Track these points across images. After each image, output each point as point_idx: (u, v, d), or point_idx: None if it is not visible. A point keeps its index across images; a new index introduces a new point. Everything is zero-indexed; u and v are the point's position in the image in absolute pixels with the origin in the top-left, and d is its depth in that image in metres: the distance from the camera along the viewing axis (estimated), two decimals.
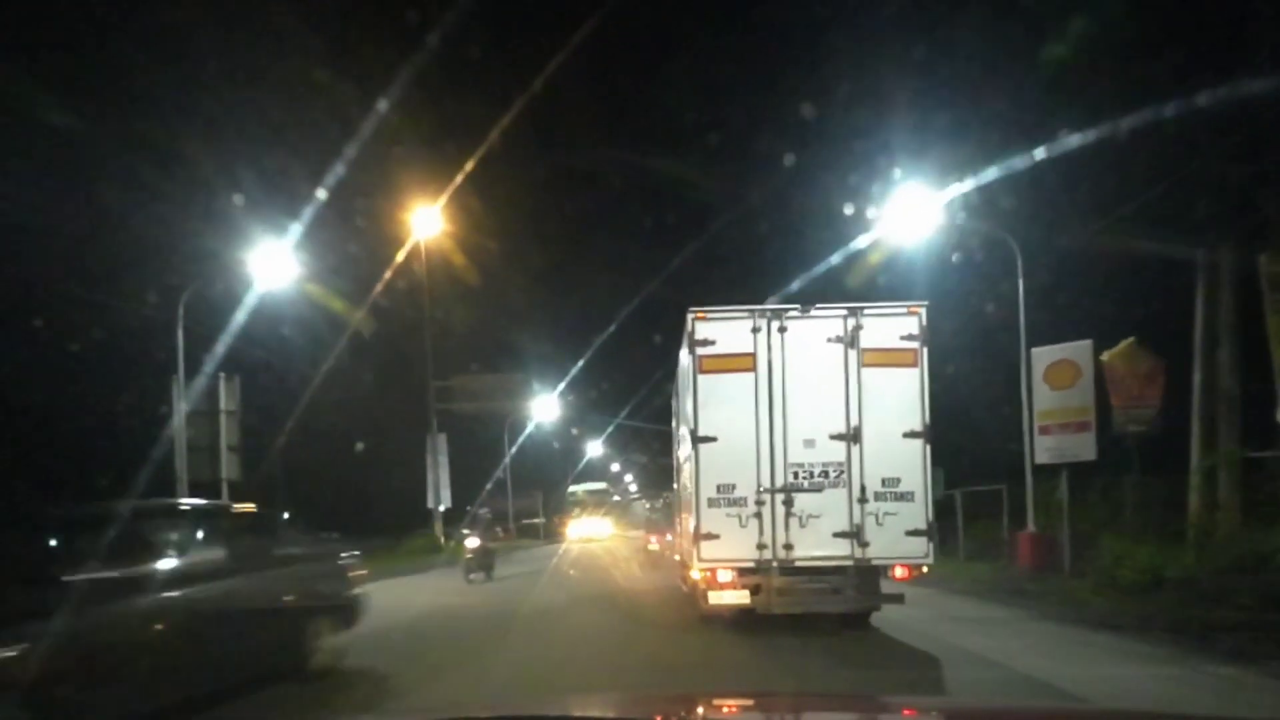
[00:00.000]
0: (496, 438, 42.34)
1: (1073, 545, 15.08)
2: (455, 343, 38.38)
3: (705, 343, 9.44)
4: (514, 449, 42.94)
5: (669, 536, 18.62)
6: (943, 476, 20.96)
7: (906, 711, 3.39)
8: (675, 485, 13.32)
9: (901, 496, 9.18)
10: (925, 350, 9.25)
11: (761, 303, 10.44)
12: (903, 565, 9.28)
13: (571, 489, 49.35)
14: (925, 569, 9.32)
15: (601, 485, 52.30)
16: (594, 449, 59.51)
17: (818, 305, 9.50)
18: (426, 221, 29.40)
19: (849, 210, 18.93)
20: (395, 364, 36.62)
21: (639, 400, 41.53)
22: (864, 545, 9.18)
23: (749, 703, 3.64)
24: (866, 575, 9.33)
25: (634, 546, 31.33)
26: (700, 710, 3.18)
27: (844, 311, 9.36)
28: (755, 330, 9.38)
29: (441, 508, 31.08)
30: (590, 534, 41.44)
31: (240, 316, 17.44)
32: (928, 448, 9.20)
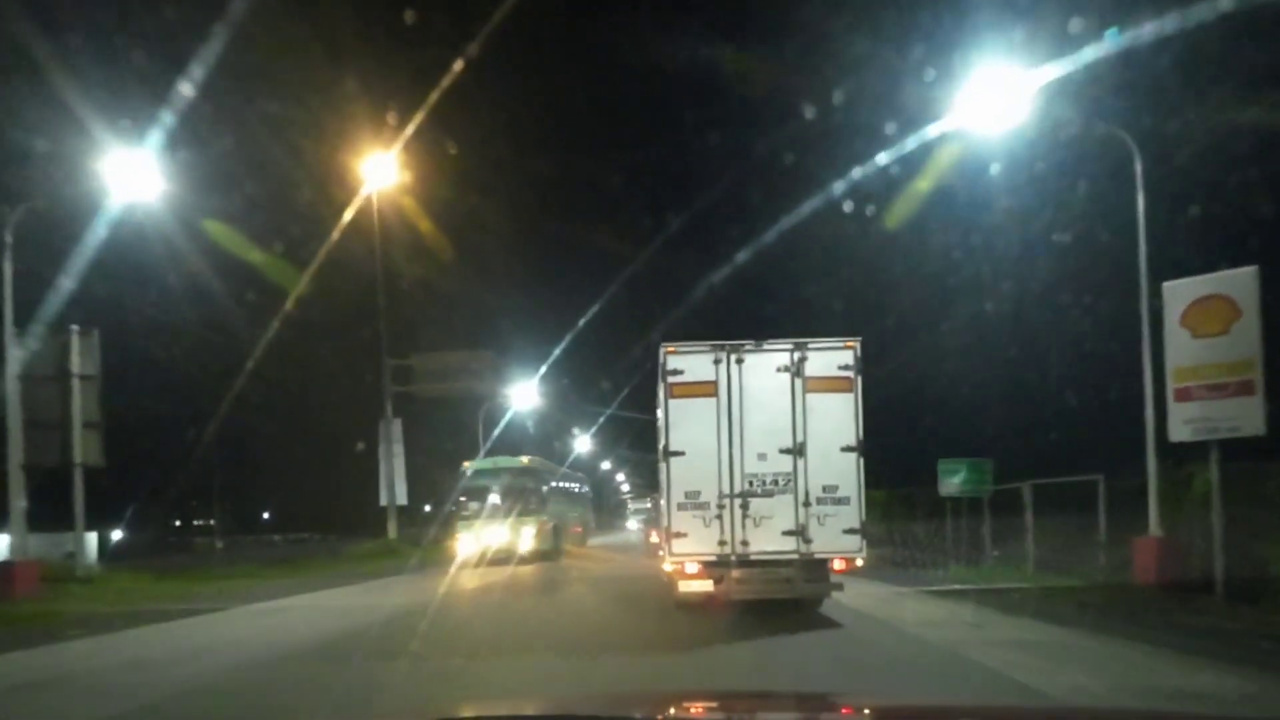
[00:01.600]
0: (474, 428, 36.45)
1: (1226, 556, 11.49)
2: (431, 325, 35.60)
3: (675, 372, 11.26)
4: (490, 441, 35.07)
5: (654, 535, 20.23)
6: (990, 468, 17.93)
7: (901, 712, 3.42)
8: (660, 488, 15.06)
9: (839, 501, 11.02)
10: (859, 378, 11.11)
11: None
12: (840, 558, 11.12)
13: (466, 466, 28.28)
14: (859, 561, 11.20)
15: (519, 461, 28.61)
16: (584, 445, 54.15)
17: (769, 341, 11.32)
18: (381, 169, 25.61)
19: (919, 102, 15.37)
20: (356, 341, 33.51)
21: (633, 395, 36.09)
22: (808, 542, 11.01)
23: (751, 703, 3.77)
24: (811, 567, 11.15)
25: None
26: (696, 710, 3.28)
27: (790, 346, 11.18)
28: (717, 362, 11.19)
29: (422, 507, 28.65)
30: (494, 547, 24.99)
31: (93, 243, 13.65)
32: (860, 460, 11.05)
